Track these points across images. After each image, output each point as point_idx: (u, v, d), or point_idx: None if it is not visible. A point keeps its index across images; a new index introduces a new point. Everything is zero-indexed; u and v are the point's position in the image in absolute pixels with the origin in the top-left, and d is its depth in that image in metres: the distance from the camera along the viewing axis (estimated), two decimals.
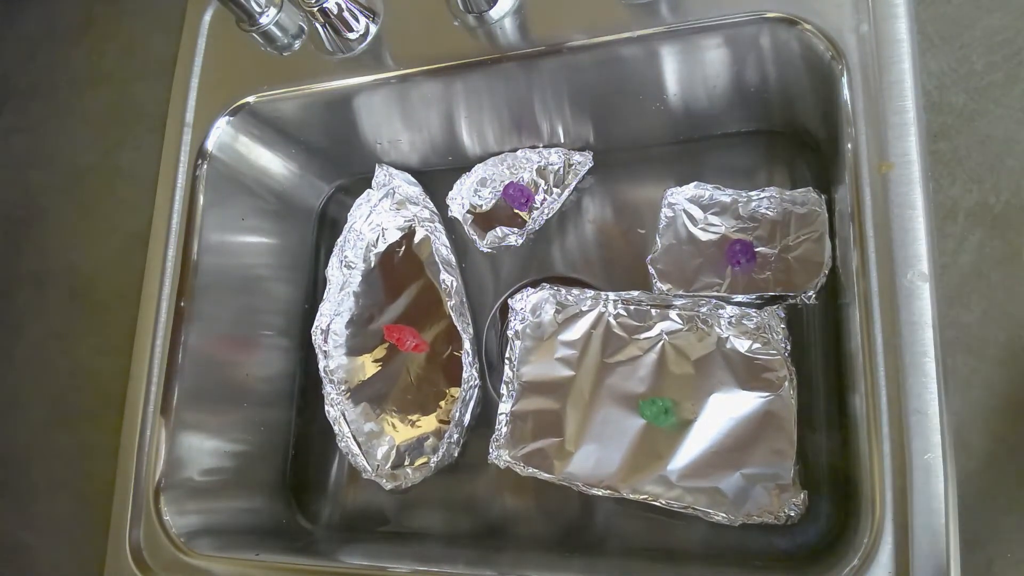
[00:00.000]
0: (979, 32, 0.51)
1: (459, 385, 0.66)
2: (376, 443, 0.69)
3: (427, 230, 0.72)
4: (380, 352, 0.71)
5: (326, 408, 0.69)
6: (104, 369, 0.65)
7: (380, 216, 0.74)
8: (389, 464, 0.68)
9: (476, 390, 0.66)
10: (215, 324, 0.65)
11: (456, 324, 0.67)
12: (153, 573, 0.58)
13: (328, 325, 0.71)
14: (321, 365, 0.70)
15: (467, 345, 0.66)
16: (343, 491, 0.71)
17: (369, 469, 0.67)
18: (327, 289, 0.72)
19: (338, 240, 0.73)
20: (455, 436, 0.65)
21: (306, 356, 0.74)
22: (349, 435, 0.68)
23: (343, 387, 0.70)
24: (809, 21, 0.53)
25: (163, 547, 0.59)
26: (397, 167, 0.74)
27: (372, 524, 0.69)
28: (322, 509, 0.71)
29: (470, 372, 0.65)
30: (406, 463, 0.67)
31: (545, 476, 0.60)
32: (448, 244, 0.71)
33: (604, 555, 0.61)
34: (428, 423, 0.68)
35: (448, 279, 0.68)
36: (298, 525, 0.70)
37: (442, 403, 0.68)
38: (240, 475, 0.67)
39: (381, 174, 0.73)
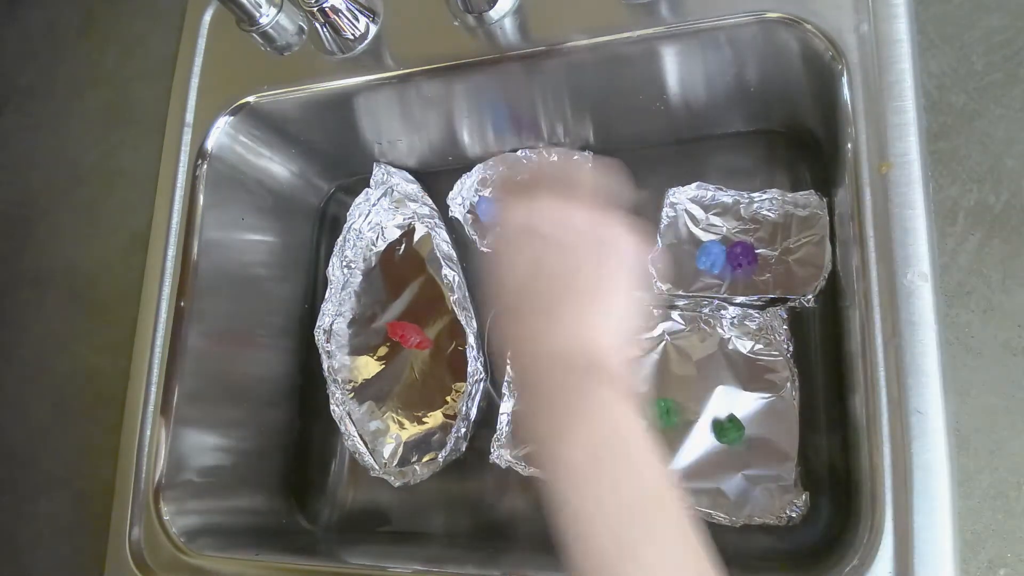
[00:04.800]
0: (979, 32, 0.51)
1: (464, 380, 0.66)
2: (383, 441, 0.69)
3: (427, 227, 0.72)
4: (383, 350, 0.71)
5: (331, 408, 0.69)
6: (104, 369, 0.65)
7: (379, 215, 0.74)
8: (397, 461, 0.68)
9: (481, 384, 0.66)
10: (215, 324, 0.65)
11: (459, 319, 0.67)
12: (153, 573, 0.58)
13: (331, 325, 0.71)
14: (325, 365, 0.70)
15: (471, 339, 0.66)
16: (343, 491, 0.71)
17: (377, 467, 0.67)
18: (328, 289, 0.72)
19: (338, 240, 0.73)
20: (462, 430, 0.64)
21: (307, 356, 0.74)
22: (355, 434, 0.68)
23: (347, 386, 0.70)
24: (809, 21, 0.52)
25: (163, 547, 0.58)
26: (397, 167, 0.74)
27: (372, 524, 0.69)
28: (322, 509, 0.71)
29: (475, 366, 0.65)
30: (413, 459, 0.67)
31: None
32: (448, 240, 0.71)
33: None
34: (434, 419, 0.68)
35: (450, 274, 0.68)
36: (298, 525, 0.70)
37: (448, 398, 0.68)
38: (240, 475, 0.67)
39: (379, 172, 0.73)
